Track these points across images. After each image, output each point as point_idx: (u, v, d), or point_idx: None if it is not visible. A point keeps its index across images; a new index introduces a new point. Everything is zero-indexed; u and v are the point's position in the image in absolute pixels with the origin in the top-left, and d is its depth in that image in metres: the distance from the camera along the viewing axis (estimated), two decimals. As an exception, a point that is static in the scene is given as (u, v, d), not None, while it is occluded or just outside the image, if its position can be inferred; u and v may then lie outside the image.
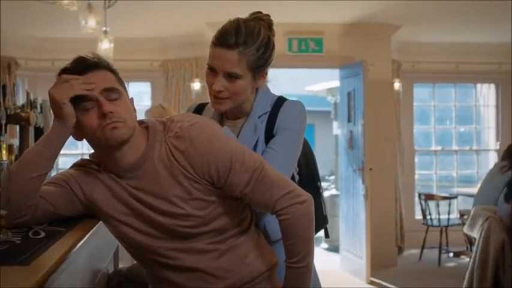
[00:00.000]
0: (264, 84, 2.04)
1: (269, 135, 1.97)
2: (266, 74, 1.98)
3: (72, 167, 1.85)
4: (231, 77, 1.89)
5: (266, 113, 1.99)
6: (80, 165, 1.82)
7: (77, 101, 1.64)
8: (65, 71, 1.68)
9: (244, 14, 1.96)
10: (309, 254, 1.75)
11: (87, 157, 1.86)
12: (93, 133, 1.66)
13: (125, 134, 1.66)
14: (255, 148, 1.95)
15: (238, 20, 1.92)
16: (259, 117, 1.99)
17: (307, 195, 1.74)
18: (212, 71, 1.92)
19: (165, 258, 1.76)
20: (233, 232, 1.79)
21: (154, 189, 1.72)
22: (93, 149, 1.76)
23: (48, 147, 1.67)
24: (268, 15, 1.99)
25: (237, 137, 1.98)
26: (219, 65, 1.89)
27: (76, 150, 7.43)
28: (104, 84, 1.66)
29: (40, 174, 1.66)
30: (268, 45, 1.93)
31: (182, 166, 1.69)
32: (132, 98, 1.77)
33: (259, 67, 1.93)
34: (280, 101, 2.02)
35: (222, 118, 2.06)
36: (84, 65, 1.68)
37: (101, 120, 1.64)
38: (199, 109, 2.14)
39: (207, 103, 2.11)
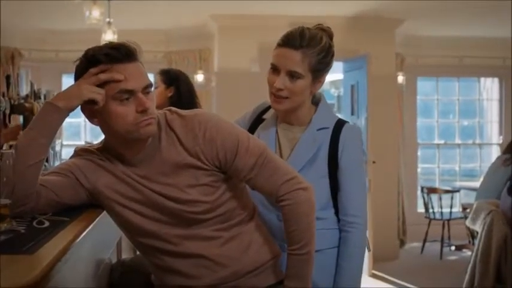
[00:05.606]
0: (325, 101, 2.14)
1: (332, 156, 2.02)
2: (324, 80, 2.07)
3: (72, 156, 1.85)
4: (292, 76, 1.98)
5: (326, 128, 2.05)
6: (81, 155, 1.82)
7: (115, 89, 1.64)
8: (105, 56, 1.66)
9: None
10: (311, 242, 1.78)
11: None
12: (124, 125, 1.66)
13: (155, 130, 1.70)
14: (313, 160, 2.01)
15: (302, 27, 2.02)
16: (318, 129, 2.05)
17: (308, 183, 1.79)
18: (275, 70, 2.00)
19: (169, 244, 1.76)
20: (237, 220, 1.81)
21: (162, 178, 1.73)
22: (111, 136, 1.75)
23: (44, 133, 1.65)
24: (329, 28, 2.08)
25: (294, 144, 2.05)
26: (282, 63, 1.98)
27: (80, 141, 7.44)
28: (144, 79, 1.68)
29: (37, 161, 1.64)
30: (328, 52, 2.03)
31: (192, 153, 1.71)
32: None
33: (319, 70, 2.02)
34: (340, 123, 2.07)
35: (277, 120, 2.13)
36: (125, 53, 1.69)
37: (139, 114, 1.65)
38: (267, 109, 2.18)
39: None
